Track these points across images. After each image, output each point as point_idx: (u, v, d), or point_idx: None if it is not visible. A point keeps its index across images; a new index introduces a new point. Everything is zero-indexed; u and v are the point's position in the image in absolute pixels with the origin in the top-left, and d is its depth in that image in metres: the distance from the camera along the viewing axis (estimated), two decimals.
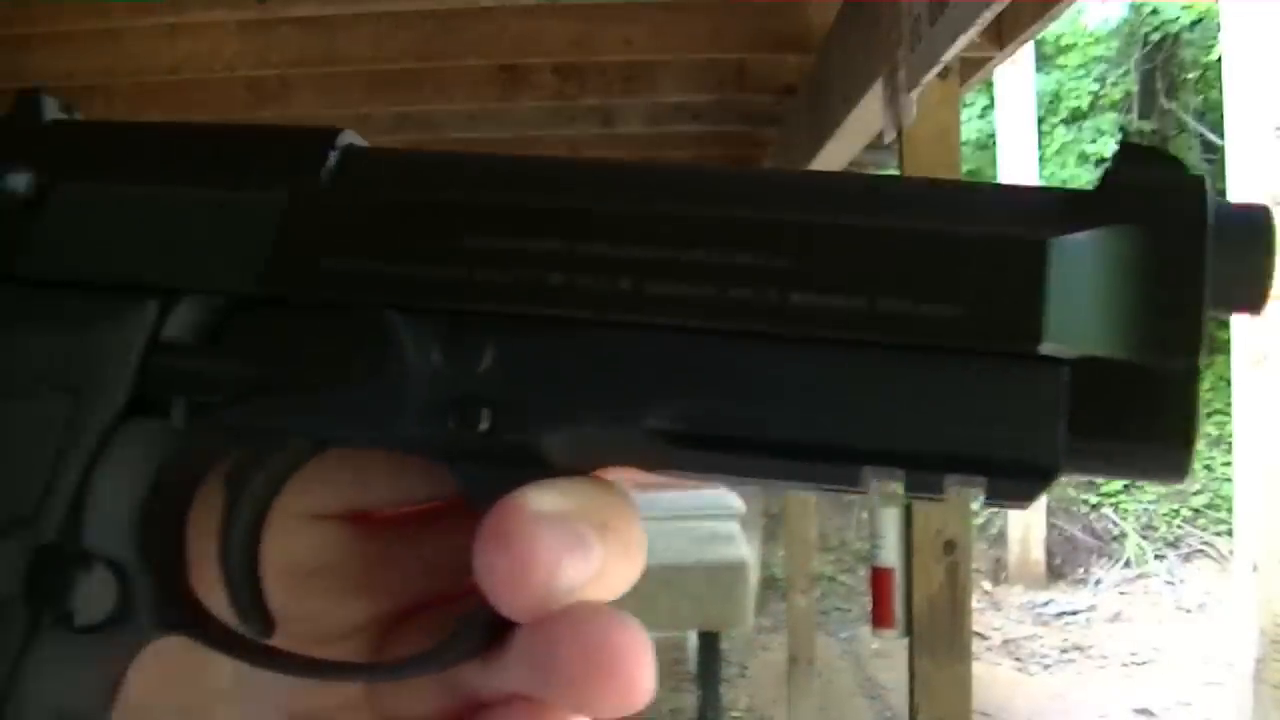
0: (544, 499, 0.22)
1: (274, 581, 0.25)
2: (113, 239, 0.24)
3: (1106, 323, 0.20)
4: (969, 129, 8.99)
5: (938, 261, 0.21)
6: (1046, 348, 0.20)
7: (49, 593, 0.23)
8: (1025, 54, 7.83)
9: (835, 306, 0.21)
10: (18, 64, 2.99)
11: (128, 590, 0.24)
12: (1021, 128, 8.19)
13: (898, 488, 0.22)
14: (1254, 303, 0.20)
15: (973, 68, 3.05)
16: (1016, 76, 8.03)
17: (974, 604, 3.07)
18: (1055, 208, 0.21)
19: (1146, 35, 9.37)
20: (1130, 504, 8.77)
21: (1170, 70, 9.65)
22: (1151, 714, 6.00)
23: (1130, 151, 0.21)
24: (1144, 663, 6.80)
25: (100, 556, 0.23)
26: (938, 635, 2.27)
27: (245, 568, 0.24)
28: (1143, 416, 0.20)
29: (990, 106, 8.92)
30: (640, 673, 0.22)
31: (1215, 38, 8.31)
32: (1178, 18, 9.12)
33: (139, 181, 0.24)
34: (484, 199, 0.23)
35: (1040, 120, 8.79)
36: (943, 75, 2.05)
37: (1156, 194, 0.21)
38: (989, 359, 0.20)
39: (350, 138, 0.24)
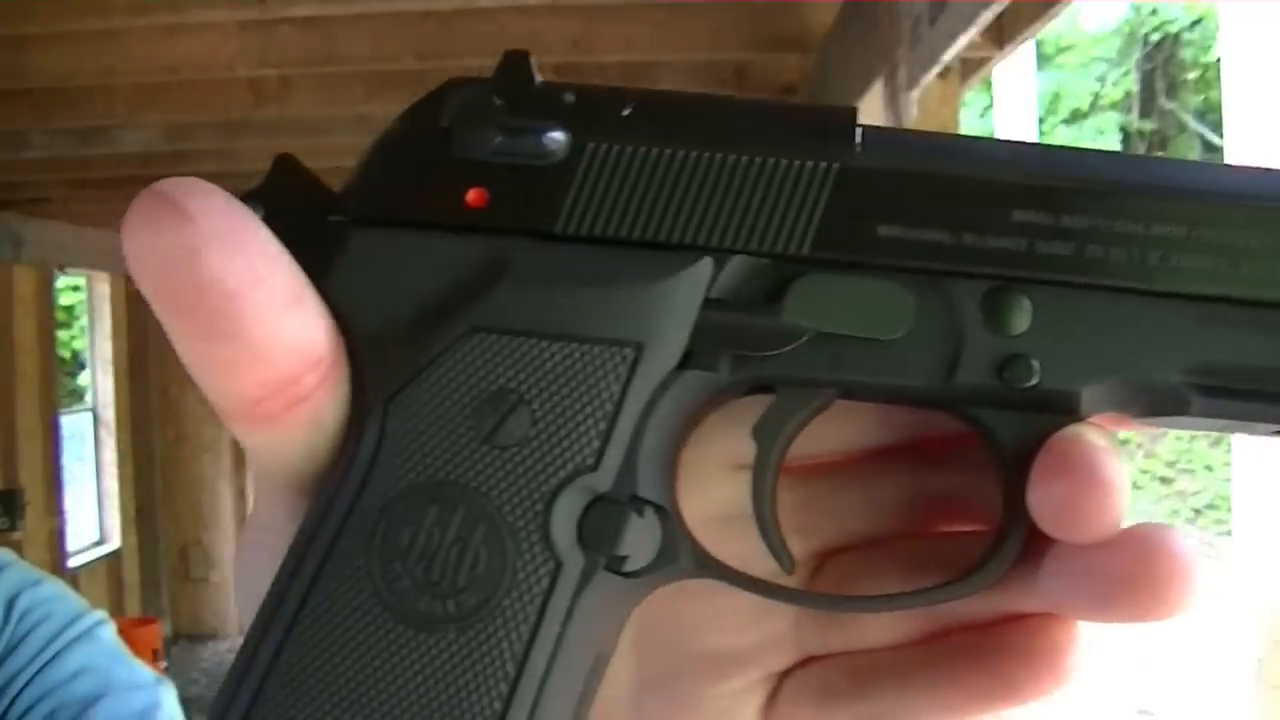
0: (1098, 437, 0.25)
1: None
2: (655, 200, 0.25)
3: None
4: (969, 129, 8.99)
5: None
6: None
7: (604, 539, 0.24)
8: (1025, 54, 7.82)
9: None
10: (18, 64, 2.99)
11: (669, 534, 0.25)
12: (1021, 128, 8.19)
13: None
14: None
15: (973, 68, 3.04)
16: (1016, 76, 8.02)
17: None
18: None
19: (1146, 35, 9.37)
20: (1131, 505, 8.76)
21: (1170, 70, 9.64)
22: (1151, 714, 5.99)
23: None
24: (1144, 663, 6.79)
25: (649, 502, 0.25)
26: None
27: (773, 510, 0.26)
28: None
29: (990, 106, 8.91)
30: (1193, 584, 0.24)
31: (1215, 37, 8.30)
32: (1177, 18, 9.11)
33: (673, 145, 0.25)
34: (1028, 179, 0.25)
35: (1040, 120, 8.78)
36: (943, 75, 2.05)
37: None
38: None
39: (860, 114, 0.26)
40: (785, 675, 0.29)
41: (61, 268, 6.02)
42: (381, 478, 0.24)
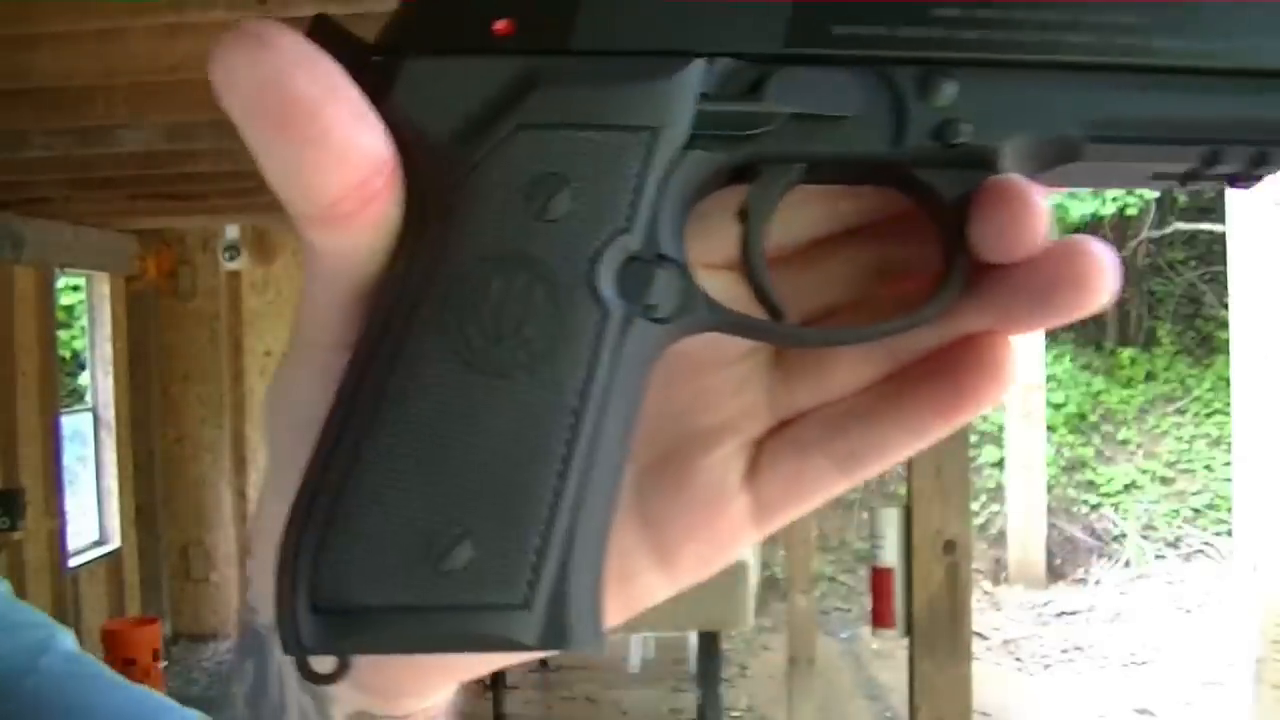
0: (1021, 179, 0.31)
1: None
2: (652, 17, 0.31)
3: None
4: None
5: (1231, 16, 0.32)
6: None
7: (638, 289, 0.30)
8: None
9: (1178, 48, 0.32)
10: (18, 64, 2.99)
11: (687, 287, 0.31)
12: None
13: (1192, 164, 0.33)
14: None
15: None
16: None
17: (974, 604, 3.05)
18: None
19: None
20: (1130, 504, 8.76)
21: None
22: (1151, 714, 6.00)
23: None
24: (1144, 663, 6.79)
25: (670, 259, 0.31)
26: (938, 635, 2.27)
27: (763, 266, 0.32)
28: None
29: None
30: (1110, 274, 0.31)
31: None
32: None
33: None
34: None
35: None
36: None
37: None
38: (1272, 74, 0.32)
39: None
40: (762, 442, 0.35)
41: (62, 268, 6.03)
42: (450, 257, 0.29)
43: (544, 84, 0.30)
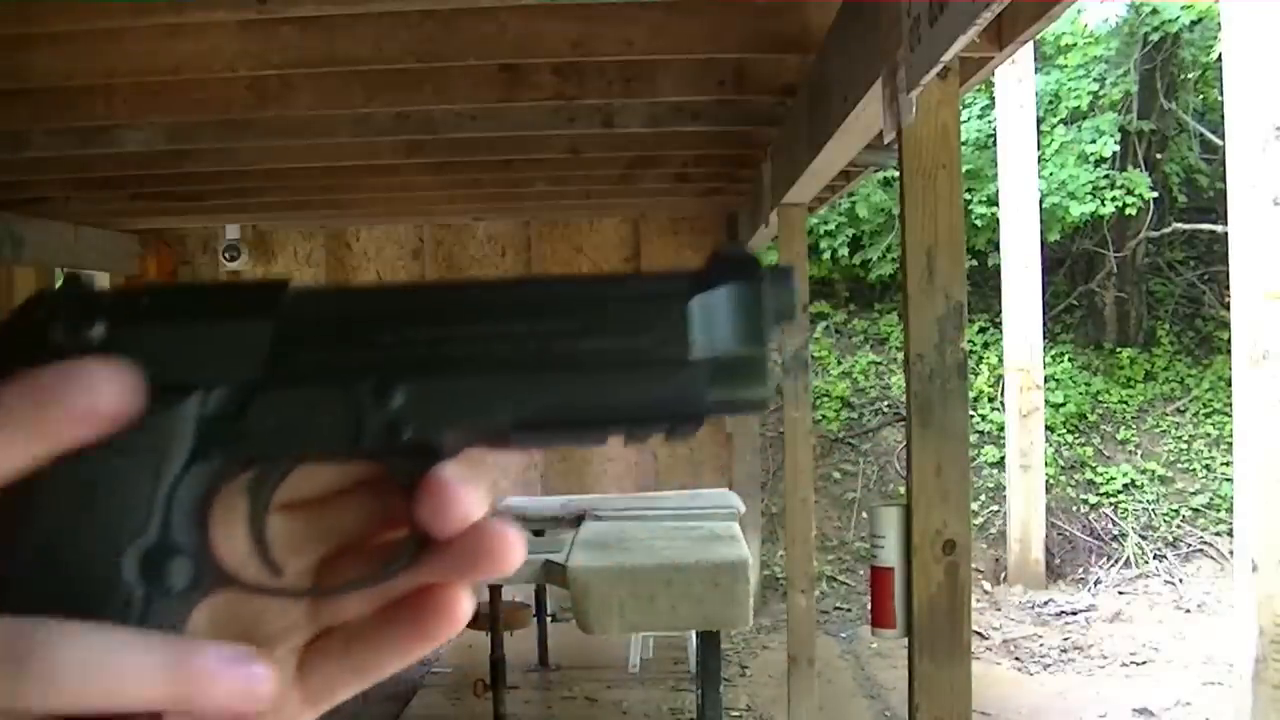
0: (455, 469, 0.40)
1: (245, 558, 0.42)
2: (161, 356, 0.39)
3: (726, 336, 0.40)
4: (969, 129, 8.97)
5: (634, 317, 0.40)
6: (694, 355, 0.40)
7: (156, 574, 0.38)
8: (1025, 54, 7.81)
9: (595, 348, 0.40)
10: (18, 64, 2.99)
11: (200, 566, 0.39)
12: (1021, 128, 8.18)
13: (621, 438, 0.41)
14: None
15: (973, 68, 3.04)
16: (1016, 76, 8.02)
17: (974, 604, 3.05)
18: (684, 282, 0.40)
19: (1146, 35, 9.36)
20: (1130, 504, 8.76)
21: (1170, 70, 9.64)
22: (1151, 714, 5.99)
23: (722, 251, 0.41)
24: (1144, 663, 6.79)
25: (181, 547, 0.39)
26: (938, 635, 2.27)
27: (263, 538, 0.41)
28: (747, 379, 0.40)
29: (990, 106, 8.90)
30: (515, 549, 0.40)
31: (1215, 38, 8.28)
32: (1178, 18, 9.10)
33: (169, 320, 0.39)
34: (390, 312, 0.40)
35: (1040, 120, 8.77)
36: (943, 75, 2.05)
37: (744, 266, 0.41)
38: (669, 363, 0.40)
39: (297, 284, 0.41)
40: (307, 648, 0.44)
41: (62, 268, 6.02)
42: (16, 557, 0.37)
43: None
